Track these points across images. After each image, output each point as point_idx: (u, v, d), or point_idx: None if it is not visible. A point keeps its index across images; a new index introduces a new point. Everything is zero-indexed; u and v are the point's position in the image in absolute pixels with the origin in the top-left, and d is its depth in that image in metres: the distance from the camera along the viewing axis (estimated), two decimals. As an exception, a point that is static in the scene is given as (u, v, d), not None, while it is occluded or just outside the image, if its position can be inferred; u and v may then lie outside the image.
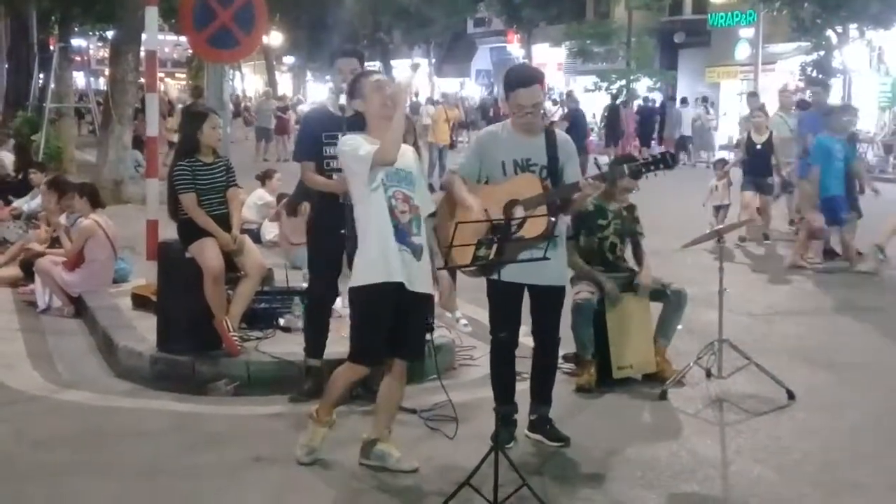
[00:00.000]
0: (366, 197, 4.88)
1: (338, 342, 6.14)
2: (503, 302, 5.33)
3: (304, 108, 35.12)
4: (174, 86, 44.89)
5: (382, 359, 5.04)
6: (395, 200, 4.89)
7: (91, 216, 9.11)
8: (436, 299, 7.29)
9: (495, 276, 5.12)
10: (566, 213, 5.53)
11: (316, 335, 6.28)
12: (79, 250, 8.93)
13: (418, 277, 4.93)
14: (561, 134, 5.55)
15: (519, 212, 5.14)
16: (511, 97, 5.35)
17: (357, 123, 5.29)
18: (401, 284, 4.83)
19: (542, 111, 5.46)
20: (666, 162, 5.17)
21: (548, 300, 5.49)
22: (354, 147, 4.90)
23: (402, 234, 4.88)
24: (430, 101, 30.93)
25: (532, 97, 5.27)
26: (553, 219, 5.19)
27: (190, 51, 33.27)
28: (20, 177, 14.12)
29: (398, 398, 5.20)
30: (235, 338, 6.67)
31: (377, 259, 4.85)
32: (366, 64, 6.52)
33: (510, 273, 5.17)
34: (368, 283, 4.86)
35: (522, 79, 5.33)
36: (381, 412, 5.17)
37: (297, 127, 8.61)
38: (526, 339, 5.65)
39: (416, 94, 37.69)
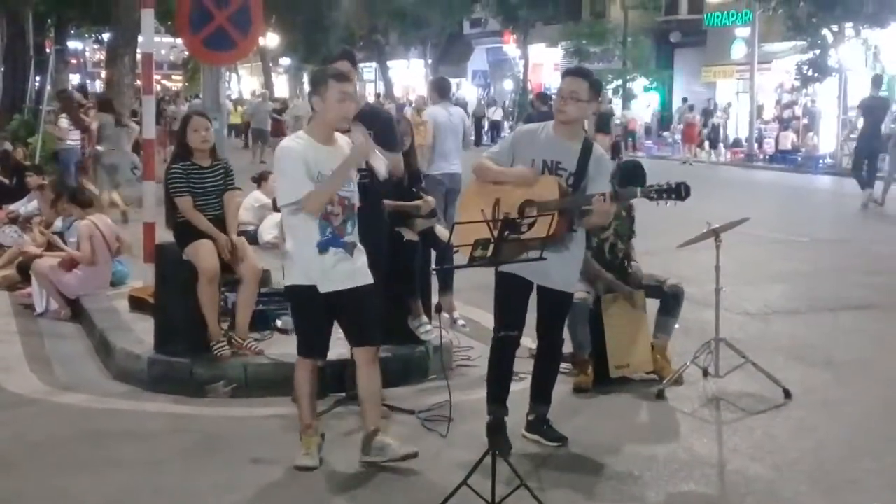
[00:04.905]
0: (293, 211, 5.01)
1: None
2: (510, 296, 5.35)
3: (298, 101, 34.95)
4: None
5: (323, 350, 5.24)
6: (331, 206, 5.00)
7: (88, 218, 9.10)
8: (433, 300, 7.34)
9: (504, 270, 5.15)
10: (580, 226, 5.45)
11: None
12: (89, 251, 8.86)
13: (354, 273, 5.09)
14: (599, 149, 5.52)
15: (531, 213, 5.16)
16: (558, 88, 5.56)
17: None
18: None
19: (583, 122, 5.56)
20: (679, 193, 5.11)
21: (555, 302, 5.50)
22: (291, 172, 4.96)
23: (335, 239, 5.02)
24: (409, 102, 30.88)
25: (571, 85, 5.37)
26: (575, 229, 5.30)
27: (186, 53, 33.26)
28: (12, 182, 14.15)
29: (376, 386, 5.24)
30: (251, 343, 6.74)
31: (302, 265, 5.04)
32: (360, 65, 6.54)
33: (520, 269, 5.19)
34: (295, 284, 5.09)
35: (570, 70, 5.62)
36: (366, 404, 5.22)
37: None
38: (525, 339, 5.66)
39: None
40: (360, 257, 5.15)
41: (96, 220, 9.14)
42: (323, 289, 5.02)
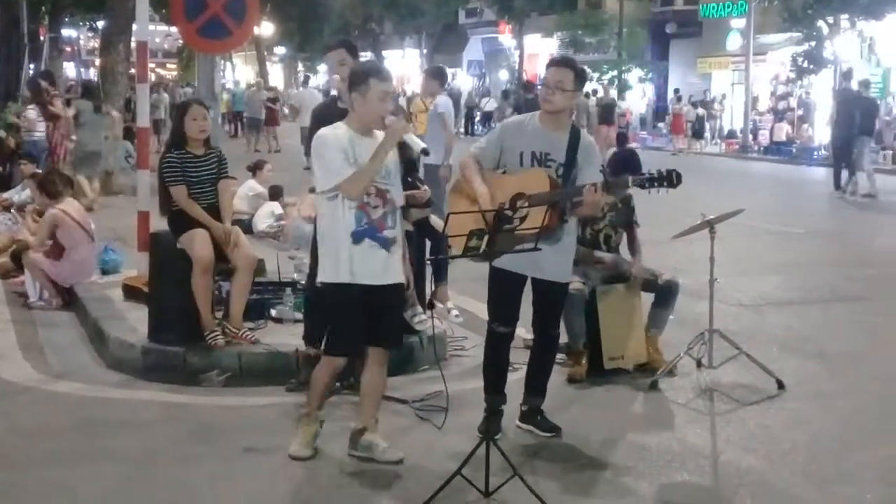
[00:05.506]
0: (330, 198, 4.89)
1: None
2: (504, 291, 5.34)
3: (292, 91, 34.77)
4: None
5: (356, 349, 5.08)
6: (368, 196, 4.89)
7: (58, 206, 8.98)
8: (428, 290, 7.34)
9: (497, 265, 5.15)
10: (571, 216, 5.42)
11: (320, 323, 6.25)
12: (49, 241, 8.82)
13: (388, 269, 4.97)
14: (587, 137, 5.51)
15: (523, 206, 5.15)
16: (543, 77, 5.56)
17: None
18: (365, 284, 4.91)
19: (572, 111, 5.51)
20: (671, 180, 5.07)
21: (550, 295, 5.49)
22: (330, 158, 4.86)
23: (372, 230, 4.90)
24: (403, 92, 30.79)
25: (556, 75, 5.34)
26: (566, 219, 5.26)
27: (181, 41, 33.19)
28: (6, 169, 14.09)
29: (380, 386, 5.20)
30: (246, 333, 6.72)
31: (337, 260, 4.90)
32: (358, 54, 6.48)
33: (513, 263, 5.19)
34: (331, 282, 4.95)
35: (555, 59, 5.57)
36: (366, 401, 5.18)
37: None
38: (520, 329, 5.65)
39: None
40: (397, 254, 5.02)
41: (66, 208, 9.00)
42: (352, 280, 4.89)
